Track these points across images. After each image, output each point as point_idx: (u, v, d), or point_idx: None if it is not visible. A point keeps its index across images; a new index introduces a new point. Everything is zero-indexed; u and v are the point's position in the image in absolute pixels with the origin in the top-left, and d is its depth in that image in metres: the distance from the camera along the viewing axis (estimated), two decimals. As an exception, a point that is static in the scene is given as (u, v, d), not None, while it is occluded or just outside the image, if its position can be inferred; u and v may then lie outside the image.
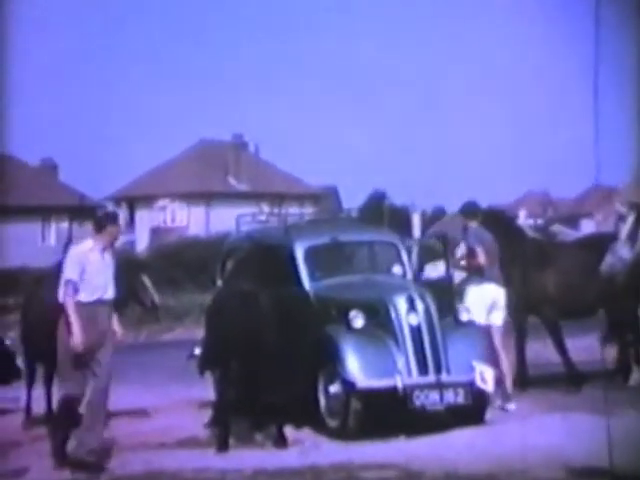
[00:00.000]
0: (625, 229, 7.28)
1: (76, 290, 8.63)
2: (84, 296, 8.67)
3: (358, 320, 9.97)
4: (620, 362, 12.36)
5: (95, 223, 9.00)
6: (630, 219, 7.26)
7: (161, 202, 51.69)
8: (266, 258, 10.78)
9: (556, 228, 22.90)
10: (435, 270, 13.83)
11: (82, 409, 8.66)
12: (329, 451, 9.09)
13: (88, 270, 8.66)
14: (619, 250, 7.26)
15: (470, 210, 11.67)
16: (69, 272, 8.69)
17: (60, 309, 8.72)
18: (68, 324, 8.60)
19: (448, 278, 12.00)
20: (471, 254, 11.29)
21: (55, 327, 8.78)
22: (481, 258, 11.15)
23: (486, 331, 10.94)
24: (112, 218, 9.14)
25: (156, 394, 12.57)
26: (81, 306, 8.61)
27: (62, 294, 8.70)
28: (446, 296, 10.86)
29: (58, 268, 9.17)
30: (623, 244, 7.25)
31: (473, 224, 11.47)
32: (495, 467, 8.00)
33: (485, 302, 11.08)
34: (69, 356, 8.63)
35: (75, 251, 8.89)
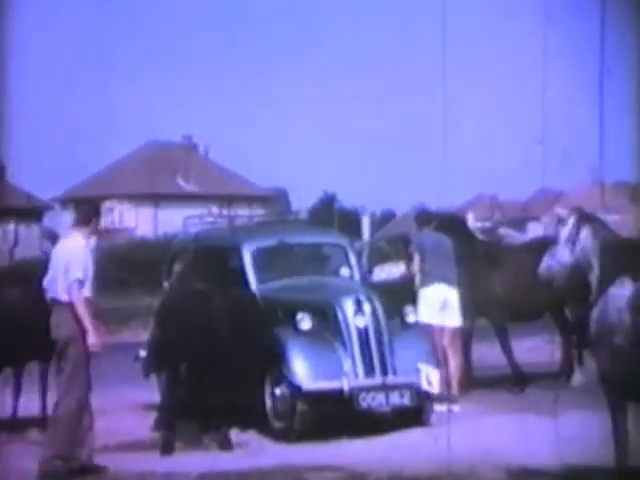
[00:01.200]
0: (565, 232, 7.37)
1: (82, 288, 8.40)
2: (85, 292, 8.46)
3: (305, 322, 9.99)
4: (564, 363, 12.53)
5: (82, 216, 8.72)
6: (570, 222, 7.36)
7: (109, 203, 51.31)
8: (213, 260, 10.77)
9: (504, 231, 23.11)
10: (385, 272, 13.93)
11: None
12: (274, 453, 9.11)
13: (87, 266, 8.49)
14: (558, 253, 7.35)
15: (423, 217, 11.80)
16: (77, 270, 8.38)
17: (50, 306, 8.47)
18: (79, 323, 8.33)
19: (399, 279, 12.09)
20: (410, 260, 11.47)
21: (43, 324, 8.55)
22: (414, 266, 11.29)
23: (434, 332, 11.04)
24: (97, 211, 8.98)
25: (101, 396, 12.43)
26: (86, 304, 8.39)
27: (72, 293, 8.36)
28: (395, 298, 10.95)
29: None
30: (562, 247, 7.34)
31: (425, 227, 11.60)
32: (439, 469, 8.06)
33: (436, 302, 11.17)
34: (84, 356, 8.40)
35: (75, 246, 8.55)
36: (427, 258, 11.30)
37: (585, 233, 7.31)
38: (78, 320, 8.35)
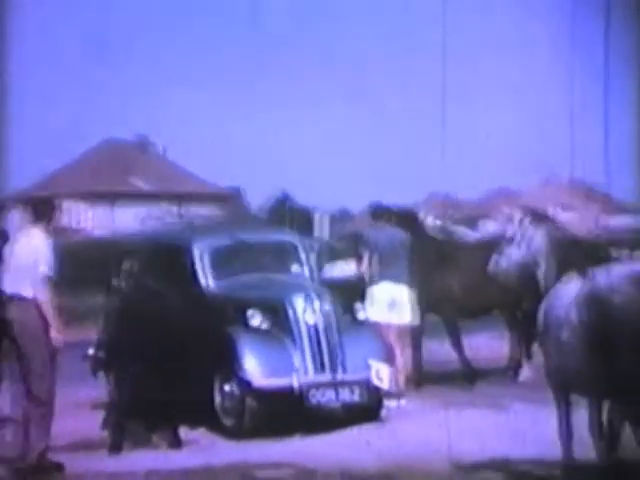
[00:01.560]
0: (514, 231, 7.46)
1: (48, 284, 8.32)
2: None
3: (255, 319, 10.01)
4: (512, 359, 12.66)
5: (41, 213, 8.60)
6: (518, 221, 7.44)
7: (64, 203, 50.89)
8: (165, 258, 10.77)
9: (457, 229, 23.19)
10: (337, 269, 13.97)
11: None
12: (224, 450, 9.09)
13: (51, 262, 8.40)
14: (507, 251, 7.44)
15: (377, 212, 11.84)
16: (45, 266, 8.29)
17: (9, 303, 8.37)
18: (44, 320, 8.26)
19: (350, 277, 12.14)
20: (359, 259, 11.54)
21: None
22: (362, 265, 11.36)
23: (384, 329, 11.10)
24: (55, 208, 8.88)
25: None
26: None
27: (40, 289, 8.26)
28: (346, 295, 11.00)
29: None
30: (511, 245, 7.43)
31: (380, 225, 11.64)
32: (389, 464, 8.11)
33: (385, 300, 11.23)
34: (51, 352, 8.33)
35: (40, 243, 8.42)
36: (379, 256, 11.36)
37: (533, 231, 7.41)
38: (43, 316, 8.29)
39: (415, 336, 12.33)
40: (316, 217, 29.25)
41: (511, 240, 7.48)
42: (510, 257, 7.47)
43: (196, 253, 10.65)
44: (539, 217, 7.53)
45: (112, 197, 49.77)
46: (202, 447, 9.34)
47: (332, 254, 15.82)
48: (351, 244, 14.00)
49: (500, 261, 7.52)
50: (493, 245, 10.38)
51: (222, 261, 10.86)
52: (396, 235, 11.68)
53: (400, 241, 11.65)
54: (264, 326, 10.00)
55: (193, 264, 10.61)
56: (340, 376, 9.80)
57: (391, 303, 11.29)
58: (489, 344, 15.12)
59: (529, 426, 8.84)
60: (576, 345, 6.59)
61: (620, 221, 63.33)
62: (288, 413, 9.68)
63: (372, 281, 11.38)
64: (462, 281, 12.29)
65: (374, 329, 10.69)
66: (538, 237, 7.34)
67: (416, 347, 12.29)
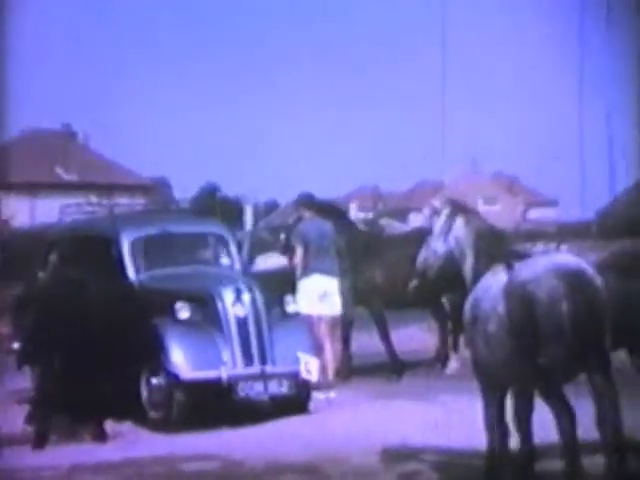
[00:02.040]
0: (439, 223, 7.50)
1: None
2: None
3: (184, 312, 9.94)
4: (440, 351, 12.78)
5: None
6: (444, 214, 7.49)
7: (-13, 193, 49.89)
8: (91, 249, 10.63)
9: (385, 222, 23.36)
10: (267, 261, 13.95)
11: None
12: (151, 444, 9.02)
13: None
14: (433, 244, 7.48)
15: (305, 201, 11.82)
16: None
17: None
18: None
19: (280, 269, 12.12)
20: (292, 251, 11.50)
21: None
22: (296, 257, 11.34)
23: (314, 321, 11.12)
24: None
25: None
26: None
27: None
28: (276, 287, 10.98)
29: None
30: (437, 238, 7.47)
31: (309, 215, 11.61)
32: (316, 455, 8.12)
33: (316, 293, 11.24)
34: None
35: None
36: (309, 248, 11.36)
37: (459, 224, 7.44)
38: None
39: (344, 329, 12.37)
40: (246, 208, 29.14)
41: (437, 233, 7.51)
42: (435, 250, 7.51)
43: (123, 244, 10.53)
44: (463, 209, 7.58)
45: (34, 187, 48.94)
46: (128, 441, 9.24)
47: (263, 246, 15.80)
48: (281, 236, 13.97)
49: (427, 255, 7.56)
50: (419, 238, 10.47)
51: (150, 252, 10.75)
52: (326, 228, 11.70)
53: (330, 234, 11.67)
54: (192, 318, 9.93)
55: (120, 255, 10.49)
56: (269, 369, 9.79)
57: (322, 295, 11.31)
58: (418, 336, 15.26)
59: (455, 417, 8.93)
60: (502, 337, 6.65)
61: (545, 214, 64.34)
62: (216, 406, 9.64)
63: (303, 273, 11.37)
64: (388, 273, 12.35)
65: (304, 322, 10.70)
66: (463, 229, 7.39)
67: (345, 340, 12.34)
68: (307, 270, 11.33)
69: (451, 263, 7.46)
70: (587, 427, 6.49)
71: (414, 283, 7.90)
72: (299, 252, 11.35)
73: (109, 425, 9.52)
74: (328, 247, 11.55)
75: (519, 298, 6.55)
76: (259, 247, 16.18)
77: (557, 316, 6.40)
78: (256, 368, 9.75)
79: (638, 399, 7.62)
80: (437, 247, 7.48)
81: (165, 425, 9.57)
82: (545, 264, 6.66)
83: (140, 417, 9.78)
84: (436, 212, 7.65)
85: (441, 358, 12.65)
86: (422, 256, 7.60)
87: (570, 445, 6.45)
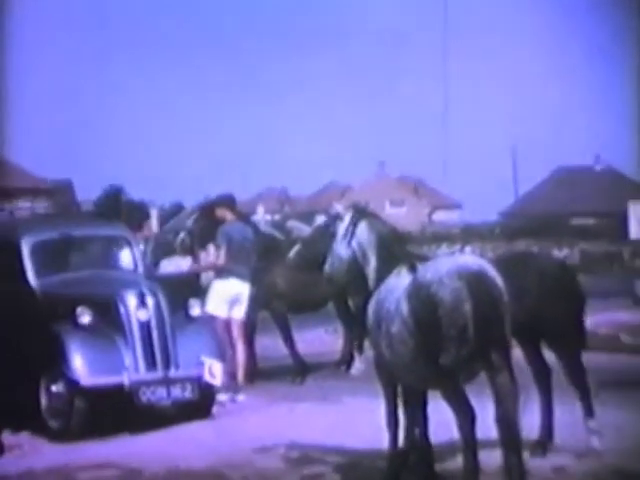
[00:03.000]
0: (342, 227, 7.53)
1: None
2: None
3: (85, 317, 9.76)
4: (345, 353, 12.83)
5: None
6: (347, 218, 7.52)
7: None
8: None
9: (292, 224, 23.30)
10: (172, 265, 13.80)
11: None
12: (48, 454, 8.81)
13: None
14: (337, 249, 7.52)
15: (225, 202, 11.67)
16: None
17: None
18: None
19: (185, 272, 11.98)
20: (210, 252, 11.39)
21: None
22: (220, 258, 11.22)
23: (221, 324, 11.05)
24: None
25: None
26: None
27: None
28: (181, 290, 10.86)
29: None
30: (340, 242, 7.50)
31: (229, 216, 11.47)
32: (218, 460, 8.07)
33: (227, 296, 11.16)
34: None
35: None
36: (231, 250, 11.25)
37: (361, 227, 7.49)
38: None
39: (249, 332, 12.32)
40: (152, 211, 28.90)
41: (340, 237, 7.54)
42: (340, 255, 7.54)
43: (23, 248, 10.30)
44: (365, 213, 7.63)
45: None
46: (25, 452, 9.00)
47: (167, 249, 15.62)
48: (184, 238, 13.84)
49: (332, 260, 7.59)
50: (315, 240, 10.49)
51: (51, 256, 10.54)
52: (247, 231, 11.60)
53: (250, 237, 11.56)
54: (94, 324, 9.75)
55: (21, 260, 10.26)
56: (172, 373, 9.68)
57: (233, 299, 11.23)
58: (323, 339, 15.31)
59: (359, 418, 8.97)
60: (405, 338, 6.70)
61: (450, 216, 65.28)
62: (117, 412, 9.49)
63: (220, 275, 11.26)
64: (292, 276, 12.33)
65: (208, 325, 10.62)
66: (365, 233, 7.44)
67: (249, 343, 12.29)
68: (224, 272, 11.23)
69: (356, 266, 7.50)
70: (487, 425, 6.57)
71: (295, 250, 7.84)
72: (222, 253, 11.21)
73: (5, 436, 9.26)
74: (247, 250, 11.46)
75: (422, 299, 6.61)
76: (164, 250, 16.00)
77: (460, 317, 6.48)
78: (159, 373, 9.63)
79: (533, 397, 7.82)
80: (341, 252, 7.52)
81: (64, 434, 9.35)
82: (448, 266, 6.73)
83: (39, 427, 9.55)
84: (339, 217, 7.69)
85: (346, 360, 12.70)
86: (328, 263, 7.64)
87: (469, 443, 6.55)
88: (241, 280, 11.26)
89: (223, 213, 11.52)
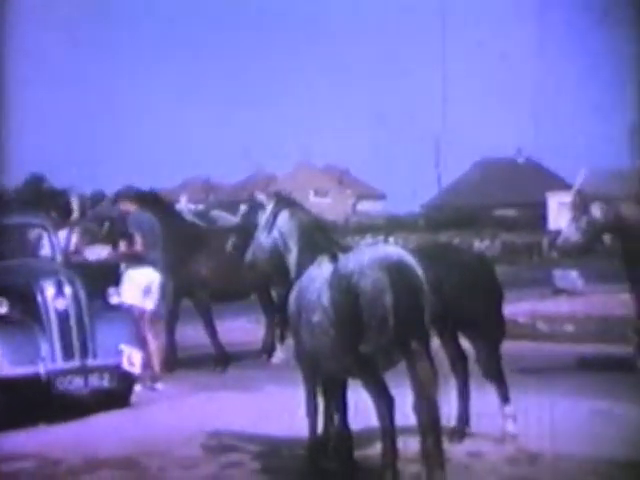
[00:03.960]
0: (264, 217, 7.53)
1: None
2: None
3: (2, 306, 9.61)
4: (266, 342, 12.84)
5: None
6: (268, 207, 7.52)
7: None
8: None
9: (216, 213, 23.24)
10: (92, 253, 13.64)
11: None
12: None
13: None
14: (259, 238, 7.52)
15: (126, 194, 11.65)
16: None
17: None
18: None
19: (105, 261, 11.87)
20: (129, 240, 11.28)
21: None
22: (137, 245, 11.15)
23: (138, 313, 10.96)
24: None
25: None
26: None
27: None
28: (101, 279, 10.75)
29: None
30: (262, 231, 7.50)
31: (132, 208, 11.44)
32: (137, 449, 8.01)
33: (141, 285, 11.09)
34: None
35: None
36: (143, 239, 11.19)
37: (283, 217, 7.49)
38: None
39: (169, 321, 12.26)
40: (73, 199, 28.49)
41: (262, 226, 7.54)
42: (262, 244, 7.54)
43: None
44: (287, 202, 7.63)
45: None
46: None
47: (88, 237, 15.45)
48: (108, 227, 13.72)
49: (254, 249, 7.59)
50: (246, 230, 10.51)
51: None
52: (153, 220, 11.56)
53: (156, 226, 11.53)
54: (11, 313, 9.61)
55: None
56: (90, 362, 9.59)
57: (147, 288, 11.16)
58: (245, 328, 15.30)
59: (280, 406, 8.98)
60: (326, 327, 6.72)
61: (374, 206, 65.62)
62: (34, 402, 9.35)
63: (131, 265, 11.19)
64: (216, 265, 12.30)
65: (128, 314, 10.53)
66: (287, 222, 7.44)
67: (170, 332, 12.22)
68: (138, 261, 11.15)
69: (277, 256, 7.50)
70: (405, 412, 6.63)
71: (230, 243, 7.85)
72: (138, 241, 11.15)
73: None
74: (156, 240, 11.42)
75: (344, 289, 6.64)
76: (85, 238, 15.82)
77: (381, 307, 6.52)
78: (77, 362, 9.53)
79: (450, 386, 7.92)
80: (263, 240, 7.52)
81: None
82: (369, 256, 6.77)
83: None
84: (261, 206, 7.68)
85: (267, 349, 12.71)
86: (250, 251, 7.63)
87: (388, 430, 6.59)
88: (153, 269, 11.21)
89: (125, 206, 11.52)
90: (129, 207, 11.47)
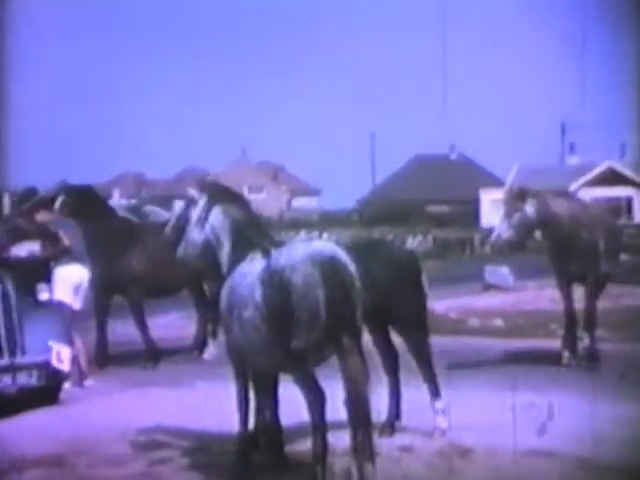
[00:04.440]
0: (195, 212, 7.47)
1: None
2: None
3: None
4: (198, 337, 12.77)
5: None
6: (200, 202, 7.46)
7: None
8: None
9: (149, 209, 23.02)
10: (23, 250, 13.43)
11: None
12: None
13: None
14: (190, 233, 7.46)
15: (59, 190, 11.55)
16: None
17: None
18: None
19: (34, 257, 11.71)
20: (55, 237, 11.16)
21: None
22: (65, 241, 11.03)
23: (68, 310, 10.84)
24: None
25: None
26: None
27: None
28: (31, 276, 10.61)
29: None
30: (194, 227, 7.45)
31: (48, 217, 11.33)
32: (65, 448, 7.90)
33: (71, 282, 10.97)
34: None
35: None
36: (69, 236, 11.09)
37: (215, 212, 7.44)
38: None
39: (99, 317, 12.12)
40: (5, 195, 28.02)
41: (194, 222, 7.48)
42: (194, 239, 7.48)
43: None
44: (219, 198, 7.58)
45: None
46: None
47: (18, 234, 15.21)
48: (39, 223, 13.53)
49: (186, 245, 7.53)
50: (180, 225, 10.43)
51: None
52: (67, 224, 11.48)
53: (76, 227, 11.46)
54: None
55: None
56: (18, 359, 9.44)
57: (77, 285, 11.04)
58: (177, 324, 15.21)
59: (211, 402, 8.95)
60: (258, 323, 6.70)
61: (308, 202, 65.66)
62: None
63: (61, 262, 11.07)
64: (149, 261, 12.19)
65: (57, 310, 10.40)
66: (219, 218, 7.40)
67: (100, 328, 12.09)
68: (68, 258, 11.04)
69: (210, 251, 7.45)
70: (336, 407, 6.65)
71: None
72: (63, 235, 11.04)
73: None
74: (79, 238, 11.33)
75: (275, 285, 6.63)
76: (14, 235, 15.59)
77: (312, 302, 6.52)
78: (5, 360, 9.38)
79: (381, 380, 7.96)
80: (195, 236, 7.47)
81: None
82: (301, 251, 6.77)
83: None
84: (193, 201, 7.62)
85: (199, 345, 12.65)
86: (182, 247, 7.57)
87: (318, 425, 6.60)
88: (82, 265, 11.11)
89: (42, 217, 11.45)
90: (44, 217, 11.40)
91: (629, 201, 47.19)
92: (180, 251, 7.59)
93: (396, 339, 8.27)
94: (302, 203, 62.50)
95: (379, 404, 7.58)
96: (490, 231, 12.47)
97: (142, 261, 12.24)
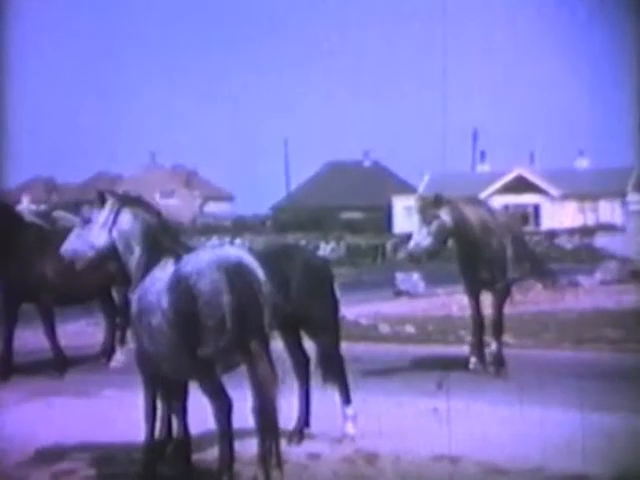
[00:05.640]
0: (102, 216, 7.33)
1: None
2: None
3: None
4: (106, 345, 12.58)
5: None
6: (108, 205, 7.33)
7: None
8: None
9: (59, 214, 22.64)
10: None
11: None
12: None
13: None
14: (89, 237, 7.29)
15: None
16: None
17: None
18: None
19: None
20: None
21: None
22: None
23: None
24: None
25: None
26: None
27: None
28: None
29: None
30: (99, 230, 7.31)
31: None
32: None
33: None
34: None
35: None
36: None
37: (124, 217, 7.32)
38: None
39: (6, 326, 11.86)
40: None
41: (99, 225, 7.34)
42: (93, 242, 7.32)
43: None
44: (129, 202, 7.46)
45: None
46: None
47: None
48: None
49: (79, 245, 7.37)
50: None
51: None
52: None
53: None
54: None
55: None
56: None
57: None
58: (85, 331, 14.98)
59: (118, 411, 8.83)
60: (165, 330, 6.64)
61: (221, 208, 65.37)
62: None
63: None
64: (60, 268, 11.95)
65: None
66: (129, 222, 7.28)
67: (7, 338, 11.83)
68: None
69: (114, 256, 7.32)
70: (244, 415, 6.62)
71: None
72: None
73: None
74: None
75: (182, 291, 6.57)
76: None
77: (218, 308, 6.49)
78: None
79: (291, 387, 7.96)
80: (95, 239, 7.31)
81: None
82: (208, 257, 6.73)
83: None
84: (102, 204, 7.47)
85: (107, 352, 12.46)
86: (73, 246, 7.41)
87: (225, 432, 6.56)
88: None
89: None
90: None
91: (536, 208, 48.17)
92: (68, 250, 7.44)
93: (308, 345, 8.27)
94: (215, 208, 62.22)
95: (289, 411, 7.58)
96: (403, 238, 12.58)
97: (54, 268, 12.00)
